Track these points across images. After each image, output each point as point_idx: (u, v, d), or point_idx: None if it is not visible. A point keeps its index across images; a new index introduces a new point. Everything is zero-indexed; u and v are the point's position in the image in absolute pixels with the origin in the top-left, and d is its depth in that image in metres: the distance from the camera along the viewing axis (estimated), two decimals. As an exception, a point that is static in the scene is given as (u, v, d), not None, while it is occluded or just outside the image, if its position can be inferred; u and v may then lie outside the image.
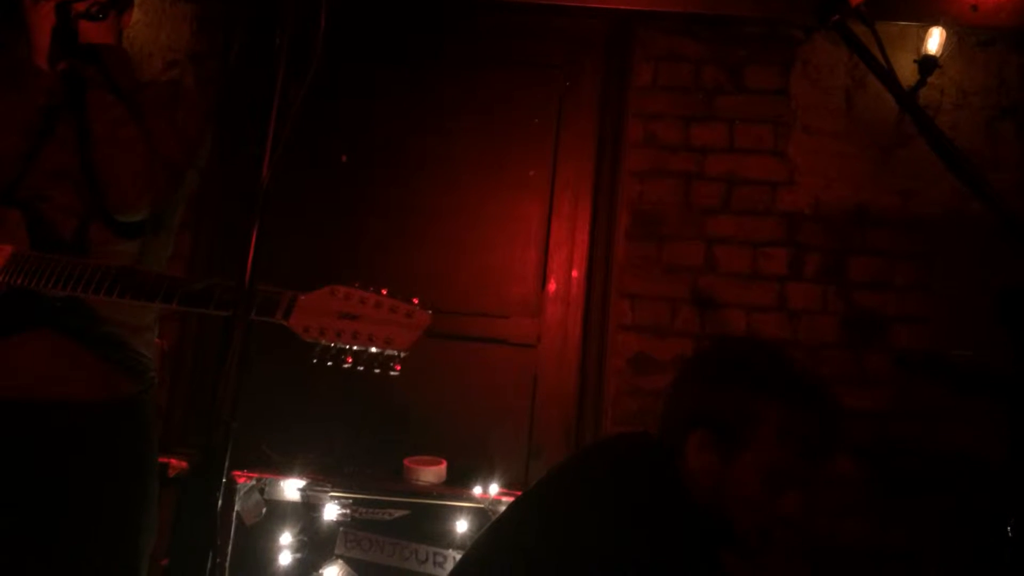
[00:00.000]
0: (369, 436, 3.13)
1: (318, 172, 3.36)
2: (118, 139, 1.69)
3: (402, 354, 1.32)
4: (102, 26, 1.76)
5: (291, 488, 2.74)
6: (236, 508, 2.67)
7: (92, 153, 1.70)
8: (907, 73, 3.04)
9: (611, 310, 3.25)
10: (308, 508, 2.72)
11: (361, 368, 1.34)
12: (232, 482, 2.67)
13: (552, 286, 3.32)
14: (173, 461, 2.76)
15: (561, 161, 3.39)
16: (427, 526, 2.72)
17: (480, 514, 2.73)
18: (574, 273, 3.32)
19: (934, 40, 3.05)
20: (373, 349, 1.32)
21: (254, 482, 2.71)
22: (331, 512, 2.72)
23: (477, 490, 2.79)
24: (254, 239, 1.12)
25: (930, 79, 3.06)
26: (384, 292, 1.34)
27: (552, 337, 3.30)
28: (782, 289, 3.16)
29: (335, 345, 1.33)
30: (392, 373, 1.33)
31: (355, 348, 1.33)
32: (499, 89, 3.44)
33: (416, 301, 1.33)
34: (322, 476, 2.77)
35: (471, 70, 3.45)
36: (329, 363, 1.34)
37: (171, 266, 3.18)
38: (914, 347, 3.05)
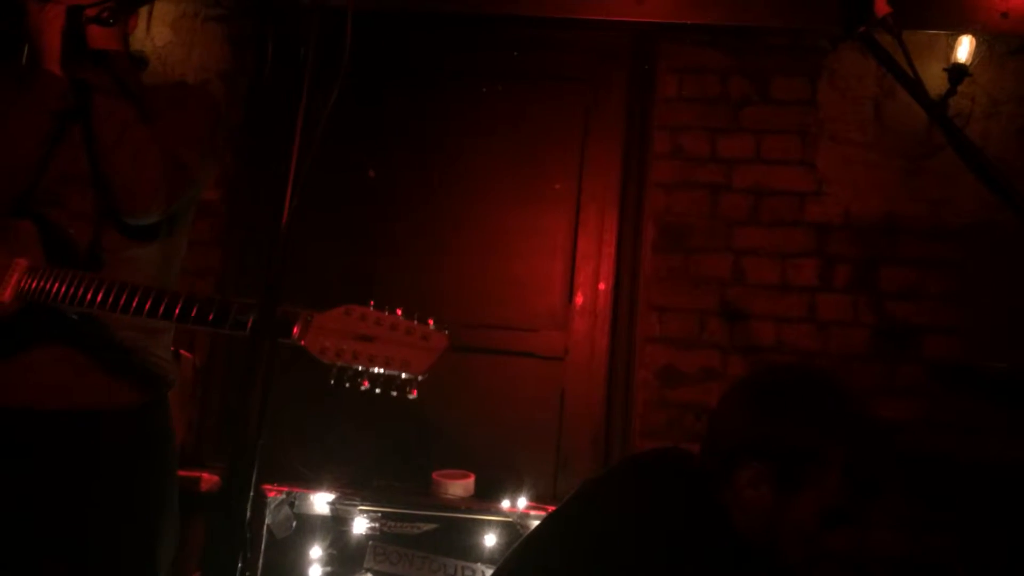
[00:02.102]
0: (397, 450, 3.14)
1: (345, 186, 3.38)
2: (127, 142, 1.67)
3: (419, 378, 1.30)
4: (109, 31, 1.75)
5: (321, 502, 2.75)
6: (267, 522, 2.69)
7: (101, 157, 1.69)
8: (937, 82, 3.01)
9: (638, 322, 3.24)
10: (337, 522, 2.73)
11: (378, 391, 1.31)
12: (262, 496, 2.69)
13: (579, 299, 3.31)
14: (205, 475, 2.79)
15: (587, 174, 3.39)
16: (456, 540, 2.72)
17: (509, 528, 2.73)
18: (601, 286, 3.31)
19: (964, 48, 3.01)
20: (390, 372, 1.30)
21: (284, 496, 2.73)
22: (360, 526, 2.73)
23: (505, 504, 2.79)
24: (277, 260, 1.12)
25: (960, 88, 3.02)
26: (399, 312, 1.32)
27: (579, 350, 3.29)
28: (812, 300, 3.14)
29: (352, 367, 1.31)
30: (409, 397, 1.31)
31: (372, 371, 1.31)
32: (524, 103, 3.45)
33: (432, 323, 1.31)
34: (351, 490, 2.79)
35: (496, 84, 3.47)
36: (346, 385, 1.32)
37: (202, 281, 3.26)
38: (946, 358, 3.01)
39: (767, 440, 1.50)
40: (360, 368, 1.31)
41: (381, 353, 1.29)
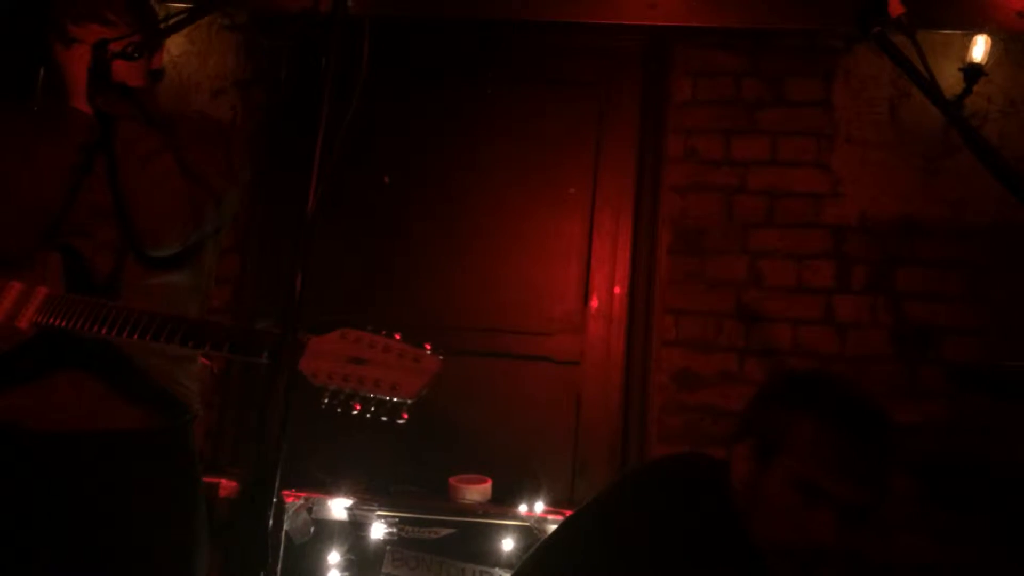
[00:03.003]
0: (414, 455, 3.15)
1: (359, 193, 3.39)
2: (147, 173, 1.69)
3: (409, 401, 1.29)
4: (133, 66, 1.75)
5: (338, 507, 2.76)
6: (285, 527, 2.70)
7: (122, 188, 1.71)
8: (952, 82, 2.99)
9: (654, 326, 3.23)
10: (355, 527, 2.74)
11: (368, 416, 1.30)
12: (281, 502, 2.70)
13: (594, 303, 3.31)
14: (224, 481, 2.80)
15: (601, 178, 3.39)
16: (473, 544, 2.73)
17: (526, 532, 2.72)
18: (616, 290, 3.31)
19: (979, 48, 2.99)
20: (379, 395, 1.29)
21: (302, 501, 2.74)
22: (378, 531, 2.74)
23: (523, 508, 2.79)
24: (299, 286, 1.13)
25: (976, 87, 3.00)
26: (397, 336, 1.31)
27: (595, 354, 3.29)
28: (829, 302, 3.12)
29: (343, 390, 1.30)
30: (399, 422, 1.30)
31: (362, 394, 1.30)
32: (538, 108, 3.46)
33: (428, 347, 1.30)
34: (369, 495, 2.80)
35: (510, 90, 3.48)
36: (338, 409, 1.31)
37: (219, 290, 3.27)
38: (967, 359, 2.98)
39: (751, 419, 1.63)
40: (350, 391, 1.30)
41: (371, 375, 1.29)
